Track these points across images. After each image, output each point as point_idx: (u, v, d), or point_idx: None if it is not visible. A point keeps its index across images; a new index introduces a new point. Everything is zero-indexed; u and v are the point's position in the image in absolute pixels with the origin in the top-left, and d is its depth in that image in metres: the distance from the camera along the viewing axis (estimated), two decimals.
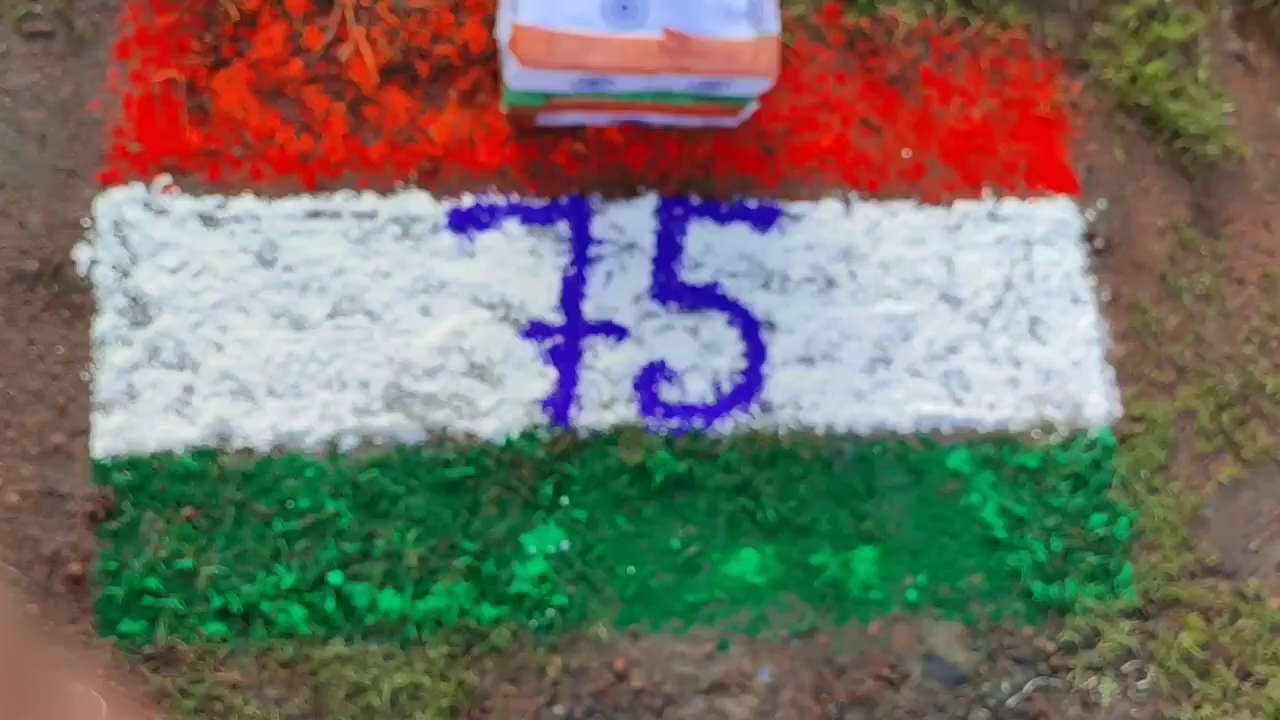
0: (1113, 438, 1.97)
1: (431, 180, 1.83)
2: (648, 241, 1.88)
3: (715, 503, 1.81)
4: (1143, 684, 1.89)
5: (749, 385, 1.86)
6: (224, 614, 1.65)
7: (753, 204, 1.92)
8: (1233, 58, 2.23)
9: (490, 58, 1.87)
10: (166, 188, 1.76)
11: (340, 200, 1.80)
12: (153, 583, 1.63)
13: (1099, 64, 2.12)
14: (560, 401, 1.80)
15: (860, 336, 1.91)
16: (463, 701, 1.67)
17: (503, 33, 1.74)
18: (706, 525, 1.81)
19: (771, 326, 1.89)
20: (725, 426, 1.84)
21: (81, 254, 1.72)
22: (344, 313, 1.76)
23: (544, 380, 1.80)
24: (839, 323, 1.91)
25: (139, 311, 1.72)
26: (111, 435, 1.67)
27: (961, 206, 2.00)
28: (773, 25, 1.72)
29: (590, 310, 1.84)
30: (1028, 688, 1.85)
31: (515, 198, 1.85)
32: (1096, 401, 1.98)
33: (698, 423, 1.83)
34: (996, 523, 1.88)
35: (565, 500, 1.77)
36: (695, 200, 1.91)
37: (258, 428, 1.71)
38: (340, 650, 1.66)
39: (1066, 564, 1.90)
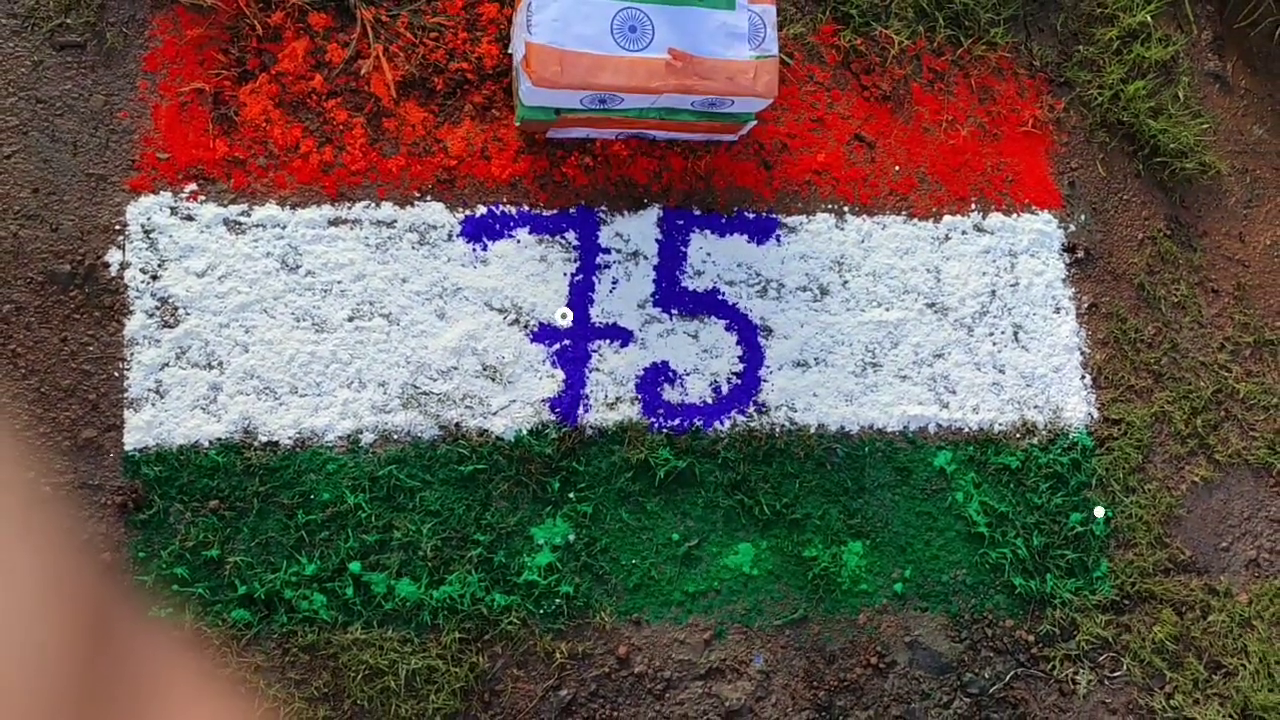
0: (1091, 440, 2.03)
1: (447, 190, 1.88)
2: (651, 250, 1.93)
3: (714, 498, 1.87)
4: (1117, 674, 1.96)
5: (746, 387, 1.92)
6: (248, 601, 1.70)
7: (751, 216, 1.98)
8: (1211, 77, 2.30)
9: (503, 74, 1.92)
10: (193, 194, 1.79)
11: (360, 209, 1.84)
12: (180, 571, 1.68)
13: (1082, 83, 2.18)
14: (568, 401, 1.85)
15: (851, 342, 1.97)
16: (474, 684, 1.73)
17: (516, 51, 1.79)
18: (705, 520, 1.86)
19: (768, 332, 1.95)
20: (724, 426, 1.89)
21: (112, 257, 1.75)
22: (363, 316, 1.81)
23: (552, 381, 1.85)
24: (831, 329, 1.97)
25: (168, 313, 1.76)
26: (141, 430, 1.72)
27: (949, 219, 2.06)
28: (772, 47, 1.78)
29: (597, 315, 1.89)
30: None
31: (526, 208, 1.90)
32: (1076, 405, 2.04)
33: (698, 422, 1.89)
34: (979, 520, 1.94)
35: (572, 495, 1.82)
36: (697, 212, 1.96)
37: (281, 424, 1.76)
38: (359, 635, 1.71)
39: (1046, 559, 1.96)
